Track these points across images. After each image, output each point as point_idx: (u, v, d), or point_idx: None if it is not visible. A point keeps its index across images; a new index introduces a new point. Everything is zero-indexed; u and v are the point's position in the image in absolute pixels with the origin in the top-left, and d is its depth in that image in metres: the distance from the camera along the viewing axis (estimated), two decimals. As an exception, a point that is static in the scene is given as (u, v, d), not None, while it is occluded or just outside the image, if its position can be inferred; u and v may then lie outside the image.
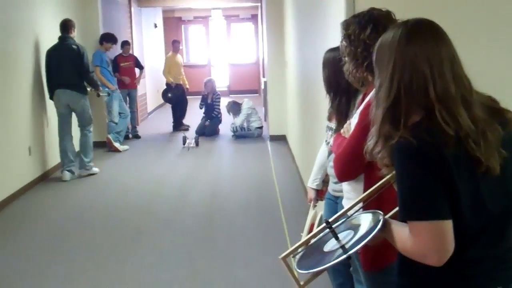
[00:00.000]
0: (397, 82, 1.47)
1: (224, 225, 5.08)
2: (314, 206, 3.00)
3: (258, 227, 4.98)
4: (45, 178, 6.90)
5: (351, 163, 2.13)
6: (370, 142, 1.54)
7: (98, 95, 7.54)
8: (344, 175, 2.21)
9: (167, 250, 4.52)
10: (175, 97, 10.51)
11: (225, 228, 4.99)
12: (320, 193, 3.01)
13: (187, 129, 10.29)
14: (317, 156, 3.06)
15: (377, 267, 2.19)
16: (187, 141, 8.70)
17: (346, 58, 2.11)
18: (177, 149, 8.45)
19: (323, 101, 4.14)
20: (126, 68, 9.53)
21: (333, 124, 2.67)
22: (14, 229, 5.12)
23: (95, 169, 7.14)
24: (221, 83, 16.87)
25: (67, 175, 6.78)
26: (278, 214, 5.31)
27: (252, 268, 4.09)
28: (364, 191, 2.11)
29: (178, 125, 10.51)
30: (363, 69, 2.06)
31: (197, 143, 8.73)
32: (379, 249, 1.97)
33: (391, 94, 1.48)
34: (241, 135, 9.52)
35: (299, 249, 1.68)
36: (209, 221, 5.22)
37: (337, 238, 1.59)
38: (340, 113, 2.42)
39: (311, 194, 2.98)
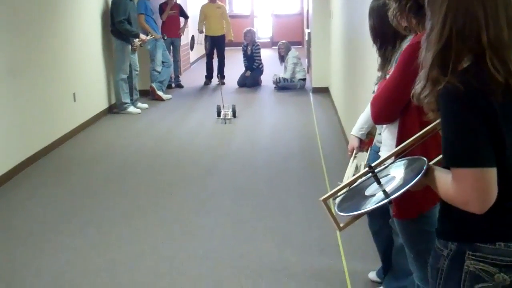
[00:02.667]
0: (449, 25, 1.45)
1: (265, 174, 5.15)
2: (355, 156, 2.98)
3: (299, 177, 5.04)
4: (89, 124, 7.09)
5: (387, 105, 2.14)
6: (417, 86, 1.52)
7: (132, 44, 7.79)
8: (379, 117, 2.23)
9: (208, 196, 4.62)
10: (210, 49, 10.37)
11: (266, 177, 5.06)
12: (362, 144, 3.00)
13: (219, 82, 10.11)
14: (367, 107, 3.04)
15: (409, 215, 2.22)
16: (223, 111, 7.32)
17: (391, 2, 2.10)
18: (219, 99, 8.41)
19: (369, 52, 4.08)
20: (170, 17, 9.55)
21: None
22: (59, 175, 5.32)
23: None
24: (264, 34, 16.74)
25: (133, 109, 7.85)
26: (319, 164, 5.34)
27: (293, 215, 4.17)
28: (398, 136, 2.12)
29: (212, 77, 10.37)
30: (406, 12, 2.05)
31: (234, 113, 7.35)
32: (412, 198, 1.99)
33: (442, 38, 1.45)
34: (283, 86, 9.49)
35: (340, 192, 1.70)
36: (250, 169, 5.30)
37: (379, 183, 1.60)
38: (385, 60, 2.40)
39: (355, 143, 2.94)
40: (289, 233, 3.89)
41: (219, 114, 7.33)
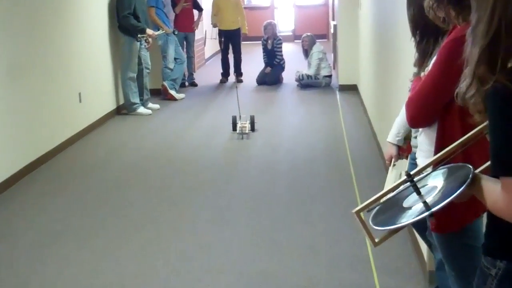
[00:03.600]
0: (497, 18, 1.40)
1: (288, 181, 5.11)
2: (394, 165, 2.92)
3: (325, 184, 4.99)
4: (96, 126, 7.12)
5: (425, 106, 2.09)
6: (462, 85, 1.49)
7: (139, 40, 7.71)
8: (415, 120, 2.18)
9: (225, 205, 4.60)
10: (225, 44, 10.30)
11: (288, 184, 5.03)
12: (401, 151, 2.94)
13: (240, 81, 10.14)
14: (403, 108, 2.99)
15: (451, 229, 2.16)
16: (239, 123, 6.64)
17: None
18: (236, 99, 8.20)
19: (402, 46, 4.04)
20: (184, 10, 9.56)
21: None
22: (63, 182, 5.34)
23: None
24: (286, 27, 16.72)
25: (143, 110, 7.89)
26: (347, 170, 5.30)
27: (319, 226, 4.12)
28: (437, 141, 2.08)
29: (228, 75, 10.37)
30: (444, 3, 2.01)
31: (252, 126, 6.74)
32: (454, 210, 1.94)
33: (490, 32, 1.41)
34: (307, 84, 9.45)
35: (375, 204, 1.67)
36: (271, 176, 5.27)
37: (418, 193, 1.56)
38: (424, 55, 2.35)
39: (392, 151, 2.88)
40: (315, 246, 3.85)
41: (234, 128, 6.66)
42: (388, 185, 2.55)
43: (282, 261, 3.67)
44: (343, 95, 8.73)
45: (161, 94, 8.76)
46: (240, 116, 6.77)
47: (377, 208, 1.68)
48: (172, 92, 8.73)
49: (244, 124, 6.66)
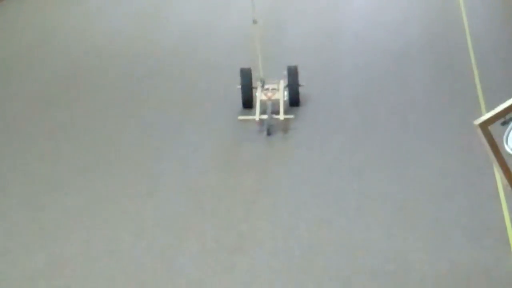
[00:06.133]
0: None
1: (358, 90, 5.17)
2: None
3: (425, 92, 5.08)
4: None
5: None
6: None
7: None
8: None
9: (244, 158, 4.66)
10: None
11: (358, 95, 5.10)
12: None
13: None
14: None
15: None
16: (260, 87, 5.54)
17: None
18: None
19: None
20: None
21: None
22: None
23: None
24: None
25: None
26: (466, 65, 5.34)
27: (420, 167, 4.21)
28: None
29: None
30: None
31: (296, 98, 5.81)
32: None
33: None
34: None
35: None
36: (331, 81, 5.30)
37: None
38: None
39: None
40: (405, 213, 3.92)
41: (247, 103, 5.61)
42: None
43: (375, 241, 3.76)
44: None
45: None
46: (262, 80, 5.52)
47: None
48: None
49: (271, 92, 5.41)
